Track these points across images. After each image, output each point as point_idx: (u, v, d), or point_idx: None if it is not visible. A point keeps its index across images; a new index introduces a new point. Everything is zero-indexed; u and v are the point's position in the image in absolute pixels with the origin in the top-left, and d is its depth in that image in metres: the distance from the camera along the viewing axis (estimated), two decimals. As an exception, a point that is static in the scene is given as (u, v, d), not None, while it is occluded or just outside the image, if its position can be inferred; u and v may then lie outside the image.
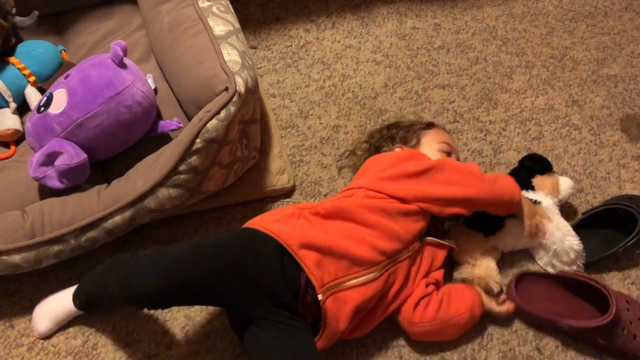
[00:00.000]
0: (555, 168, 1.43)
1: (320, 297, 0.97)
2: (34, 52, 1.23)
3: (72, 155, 1.05)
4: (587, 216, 1.31)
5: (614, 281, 1.27)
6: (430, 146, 1.25)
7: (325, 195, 1.33)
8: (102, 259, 1.17)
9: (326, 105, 1.48)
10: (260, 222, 1.02)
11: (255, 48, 1.56)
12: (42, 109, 1.08)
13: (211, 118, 1.05)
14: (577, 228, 1.30)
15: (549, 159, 1.44)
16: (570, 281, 1.20)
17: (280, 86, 1.50)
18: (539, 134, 1.50)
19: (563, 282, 1.21)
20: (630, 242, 1.24)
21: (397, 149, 1.26)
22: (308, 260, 0.97)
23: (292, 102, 1.48)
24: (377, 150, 1.29)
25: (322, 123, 1.44)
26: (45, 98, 1.09)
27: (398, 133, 1.30)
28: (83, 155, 1.06)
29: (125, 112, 1.08)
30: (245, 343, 0.98)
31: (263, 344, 0.94)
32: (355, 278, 1.00)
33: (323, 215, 1.05)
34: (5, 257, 1.02)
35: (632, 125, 1.54)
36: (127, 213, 1.08)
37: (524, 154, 1.45)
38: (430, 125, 1.32)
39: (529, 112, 1.54)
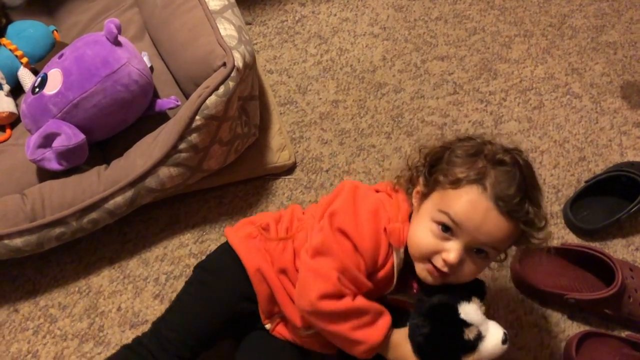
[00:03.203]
0: (557, 137, 1.43)
1: (267, 326, 0.97)
2: (25, 32, 1.20)
3: (69, 136, 1.03)
4: (590, 184, 1.30)
5: (618, 248, 1.27)
6: (431, 209, 0.86)
7: (327, 172, 1.31)
8: (105, 241, 1.16)
9: (324, 80, 1.46)
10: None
11: (250, 24, 1.53)
12: (37, 89, 1.05)
13: (210, 94, 1.03)
14: (580, 197, 1.30)
15: (550, 128, 1.44)
16: (573, 252, 1.20)
17: (277, 62, 1.48)
18: (540, 104, 1.49)
19: (565, 254, 1.21)
20: (634, 209, 1.24)
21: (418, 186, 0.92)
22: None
23: (289, 77, 1.45)
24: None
25: (320, 98, 1.43)
26: (39, 79, 1.07)
27: (436, 167, 0.90)
28: (81, 136, 1.04)
29: (122, 91, 1.06)
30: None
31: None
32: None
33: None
34: (6, 241, 1.00)
35: (632, 92, 1.53)
36: (128, 193, 1.07)
37: (525, 124, 1.44)
38: (469, 181, 0.84)
39: (528, 81, 1.53)
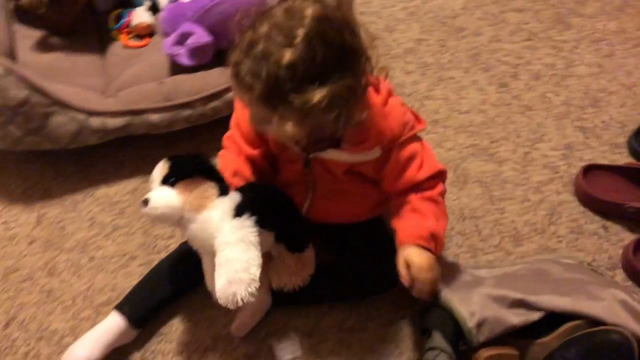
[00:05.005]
0: (625, 81, 1.53)
1: None
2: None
3: (201, 36, 1.25)
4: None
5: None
6: None
7: (408, 96, 1.48)
8: (218, 135, 1.36)
9: (410, 22, 1.64)
10: None
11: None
12: (176, -2, 1.28)
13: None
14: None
15: (619, 73, 1.54)
16: (633, 171, 1.30)
17: (369, 6, 1.67)
18: (611, 53, 1.60)
19: (626, 173, 1.31)
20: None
21: None
22: None
23: (379, 19, 1.64)
24: None
25: (405, 37, 1.60)
26: (178, -10, 1.30)
27: None
28: (209, 37, 1.26)
29: (244, 2, 1.26)
30: None
31: None
32: None
33: None
34: (146, 115, 1.23)
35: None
36: (244, 88, 1.27)
37: (595, 69, 1.56)
38: None
39: (601, 33, 1.64)
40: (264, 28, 0.77)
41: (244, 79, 0.78)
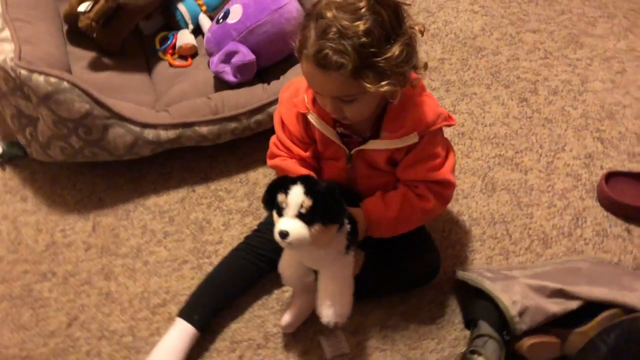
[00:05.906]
0: (637, 95, 1.62)
1: None
2: (205, -12, 1.54)
3: (245, 54, 1.34)
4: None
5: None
6: None
7: (435, 111, 1.56)
8: (260, 148, 1.44)
9: (432, 43, 1.73)
10: None
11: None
12: (221, 20, 1.38)
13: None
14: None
15: (632, 88, 1.63)
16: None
17: (392, 29, 1.76)
18: (622, 69, 1.69)
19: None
20: None
21: None
22: None
23: (403, 40, 1.73)
24: None
25: (428, 56, 1.69)
26: (223, 12, 1.39)
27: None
28: (253, 56, 1.35)
29: (284, 23, 1.37)
30: None
31: None
32: None
33: None
34: (196, 128, 1.31)
35: None
36: (285, 102, 1.35)
37: (609, 84, 1.65)
38: (298, 52, 0.93)
39: (612, 52, 1.74)
40: (328, 14, 0.86)
41: (331, 60, 0.85)
